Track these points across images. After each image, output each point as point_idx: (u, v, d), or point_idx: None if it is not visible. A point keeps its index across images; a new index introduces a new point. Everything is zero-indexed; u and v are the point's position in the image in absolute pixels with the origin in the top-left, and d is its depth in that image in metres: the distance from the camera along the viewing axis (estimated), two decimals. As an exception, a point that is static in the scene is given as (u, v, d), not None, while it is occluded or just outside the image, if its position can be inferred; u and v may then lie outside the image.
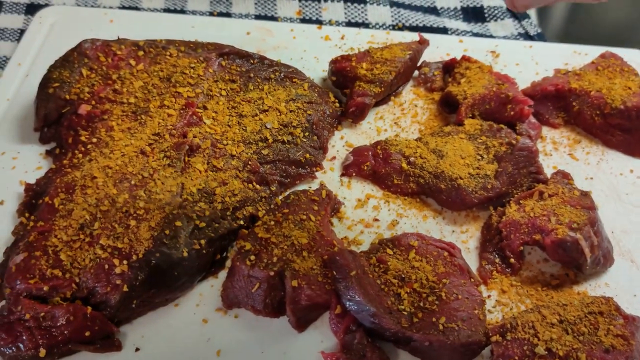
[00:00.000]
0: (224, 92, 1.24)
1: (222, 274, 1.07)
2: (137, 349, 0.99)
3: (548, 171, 1.21)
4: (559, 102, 1.33)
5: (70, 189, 1.07)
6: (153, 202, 1.04)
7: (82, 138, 1.15)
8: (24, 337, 0.93)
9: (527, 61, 1.46)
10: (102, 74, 1.24)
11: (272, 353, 0.99)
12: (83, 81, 1.22)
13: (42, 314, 0.93)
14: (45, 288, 0.96)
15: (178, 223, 1.02)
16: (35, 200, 1.10)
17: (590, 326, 0.93)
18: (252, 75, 1.29)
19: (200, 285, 1.06)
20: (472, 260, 1.11)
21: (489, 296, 1.06)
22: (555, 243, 1.03)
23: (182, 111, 1.18)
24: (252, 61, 1.32)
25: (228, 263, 1.09)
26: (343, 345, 0.96)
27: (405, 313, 0.98)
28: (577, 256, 1.04)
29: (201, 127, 1.17)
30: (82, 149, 1.14)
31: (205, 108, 1.21)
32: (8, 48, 1.47)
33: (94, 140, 1.15)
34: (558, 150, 1.28)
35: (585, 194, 1.11)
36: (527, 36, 1.62)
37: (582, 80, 1.32)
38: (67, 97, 1.20)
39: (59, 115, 1.20)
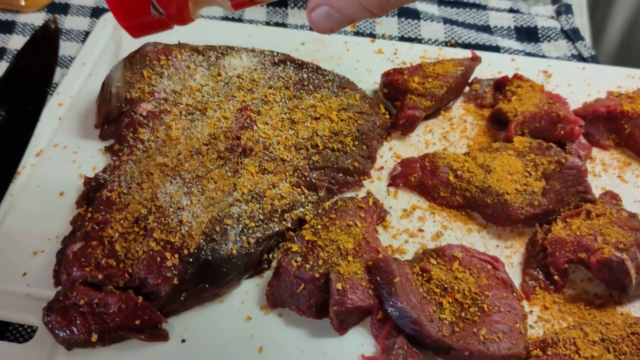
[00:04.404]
0: (277, 99, 1.28)
1: (268, 274, 1.10)
2: (183, 340, 1.02)
3: (596, 192, 1.20)
4: (610, 124, 1.32)
5: (127, 184, 1.11)
6: (206, 199, 1.08)
7: (141, 136, 1.19)
8: (78, 322, 0.97)
9: (580, 82, 1.46)
10: (162, 75, 1.28)
11: (312, 353, 1.01)
12: (144, 82, 1.27)
13: (95, 301, 0.97)
14: (100, 276, 0.99)
15: (228, 221, 1.06)
16: (93, 193, 1.14)
17: (632, 346, 0.93)
18: (306, 83, 1.32)
19: (246, 283, 1.09)
20: (515, 276, 1.11)
21: (530, 312, 1.07)
22: (601, 262, 1.03)
23: (237, 115, 1.21)
24: (306, 70, 1.35)
25: (274, 264, 1.11)
26: (383, 350, 0.98)
27: (447, 322, 0.99)
28: (622, 277, 1.03)
29: (255, 131, 1.20)
30: (140, 146, 1.18)
31: (259, 113, 1.24)
32: (73, 48, 1.53)
33: (152, 138, 1.19)
34: (607, 172, 1.28)
35: (634, 216, 1.11)
36: (580, 58, 1.62)
37: (635, 103, 1.31)
38: (128, 96, 1.25)
39: (119, 114, 1.25)
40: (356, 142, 1.26)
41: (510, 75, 1.41)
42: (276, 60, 1.35)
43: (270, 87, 1.30)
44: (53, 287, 1.05)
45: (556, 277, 1.08)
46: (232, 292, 1.08)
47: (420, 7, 1.69)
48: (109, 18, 1.53)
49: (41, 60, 1.37)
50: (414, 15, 1.68)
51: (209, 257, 1.02)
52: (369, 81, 1.44)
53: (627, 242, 1.04)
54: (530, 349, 0.97)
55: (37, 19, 1.57)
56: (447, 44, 1.63)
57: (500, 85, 1.41)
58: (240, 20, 1.65)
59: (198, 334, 1.03)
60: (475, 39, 1.65)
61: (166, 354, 1.00)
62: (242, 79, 1.30)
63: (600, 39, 1.83)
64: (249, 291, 1.08)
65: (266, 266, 1.11)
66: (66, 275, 1.01)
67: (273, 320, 1.05)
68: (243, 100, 1.25)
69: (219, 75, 1.30)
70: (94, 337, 0.96)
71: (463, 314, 1.00)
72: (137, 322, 0.98)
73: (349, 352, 1.01)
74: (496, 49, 1.63)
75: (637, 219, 1.10)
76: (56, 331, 0.97)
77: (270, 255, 1.12)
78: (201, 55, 1.33)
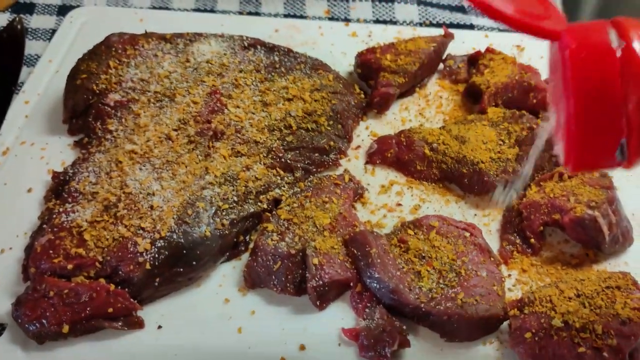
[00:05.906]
0: (249, 82, 1.26)
1: (245, 257, 1.08)
2: (159, 327, 1.00)
3: (572, 158, 1.20)
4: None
5: (95, 174, 1.10)
6: (177, 184, 1.06)
7: (109, 127, 1.18)
8: (48, 314, 0.94)
9: (553, 53, 1.45)
10: (129, 65, 1.27)
11: (292, 329, 1.00)
12: (110, 72, 1.25)
13: (65, 291, 0.95)
14: (70, 267, 0.97)
15: (200, 204, 1.04)
16: (61, 187, 1.12)
17: (607, 300, 0.92)
18: (277, 66, 1.31)
19: (223, 266, 1.08)
20: (493, 242, 1.10)
21: (509, 275, 1.06)
22: (574, 221, 1.03)
23: (206, 99, 1.20)
24: (277, 53, 1.34)
25: (251, 246, 1.09)
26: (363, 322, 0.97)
27: (425, 289, 0.98)
28: (595, 234, 1.03)
29: (226, 114, 1.18)
30: (109, 137, 1.16)
31: (230, 97, 1.23)
32: (40, 47, 1.51)
33: (121, 128, 1.17)
34: (582, 137, 1.27)
35: (605, 175, 1.11)
36: (554, 31, 1.61)
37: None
38: (95, 88, 1.23)
39: (87, 106, 1.22)
40: (331, 122, 1.24)
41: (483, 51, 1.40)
42: (246, 45, 1.34)
43: (240, 71, 1.28)
44: (22, 282, 1.02)
45: (533, 241, 1.08)
46: (210, 276, 1.06)
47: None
48: (75, 15, 1.51)
49: (6, 60, 1.36)
50: (388, -3, 1.68)
51: (181, 240, 1.00)
52: (344, 64, 1.43)
53: (598, 200, 1.04)
54: (508, 309, 0.96)
55: (2, 19, 1.55)
56: (421, 24, 1.62)
57: (474, 60, 1.41)
58: (212, 11, 1.64)
59: (175, 320, 1.01)
60: (449, 19, 1.64)
61: (142, 342, 0.98)
62: (211, 64, 1.28)
63: (575, 13, 1.83)
64: (226, 274, 1.07)
65: (243, 248, 1.10)
66: (34, 268, 0.98)
67: (251, 301, 1.03)
68: (213, 85, 1.24)
69: (188, 61, 1.28)
70: (65, 328, 0.93)
71: (441, 281, 0.99)
72: (110, 310, 0.95)
73: (329, 327, 1.00)
74: (470, 27, 1.62)
75: (608, 178, 1.10)
76: (26, 325, 0.94)
77: (247, 237, 1.11)
78: (169, 43, 1.32)
